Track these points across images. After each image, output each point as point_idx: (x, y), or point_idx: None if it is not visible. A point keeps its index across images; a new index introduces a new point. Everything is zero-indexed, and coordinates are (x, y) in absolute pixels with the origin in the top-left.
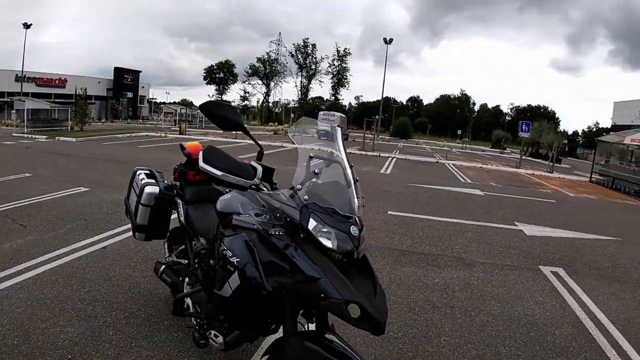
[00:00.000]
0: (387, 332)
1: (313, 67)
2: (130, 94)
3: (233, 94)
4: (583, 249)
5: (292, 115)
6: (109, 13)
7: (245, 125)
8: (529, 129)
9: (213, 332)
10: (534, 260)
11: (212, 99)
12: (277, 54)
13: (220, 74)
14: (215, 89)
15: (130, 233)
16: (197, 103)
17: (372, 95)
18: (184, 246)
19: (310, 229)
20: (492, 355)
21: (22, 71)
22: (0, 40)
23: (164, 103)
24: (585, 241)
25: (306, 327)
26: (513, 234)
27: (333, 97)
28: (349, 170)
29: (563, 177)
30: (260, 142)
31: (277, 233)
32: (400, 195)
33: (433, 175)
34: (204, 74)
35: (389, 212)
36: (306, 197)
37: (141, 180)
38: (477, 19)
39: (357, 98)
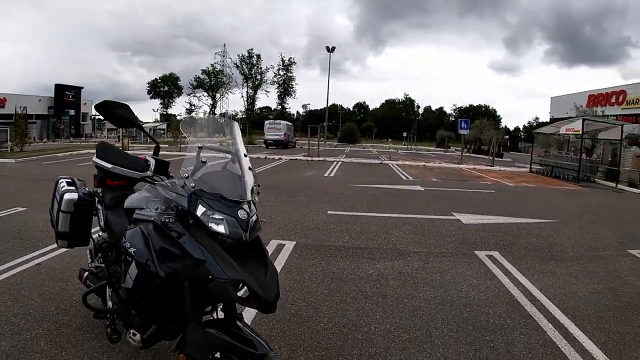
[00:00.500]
0: (316, 324)
1: (258, 77)
2: (72, 112)
3: (178, 107)
4: (520, 232)
5: (239, 125)
6: (48, 30)
7: (140, 123)
8: (467, 126)
9: (132, 330)
10: (469, 247)
11: (157, 112)
12: (222, 65)
13: (165, 88)
14: (160, 103)
15: (65, 250)
16: (142, 118)
17: (319, 103)
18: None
19: (199, 215)
20: (423, 338)
21: None
22: None
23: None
24: (522, 225)
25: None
26: (450, 223)
27: (280, 106)
28: (243, 159)
29: (504, 170)
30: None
31: (169, 221)
32: (341, 196)
33: (376, 175)
34: (148, 88)
35: (329, 212)
36: (193, 184)
37: (62, 188)
38: (419, 26)
39: (304, 106)
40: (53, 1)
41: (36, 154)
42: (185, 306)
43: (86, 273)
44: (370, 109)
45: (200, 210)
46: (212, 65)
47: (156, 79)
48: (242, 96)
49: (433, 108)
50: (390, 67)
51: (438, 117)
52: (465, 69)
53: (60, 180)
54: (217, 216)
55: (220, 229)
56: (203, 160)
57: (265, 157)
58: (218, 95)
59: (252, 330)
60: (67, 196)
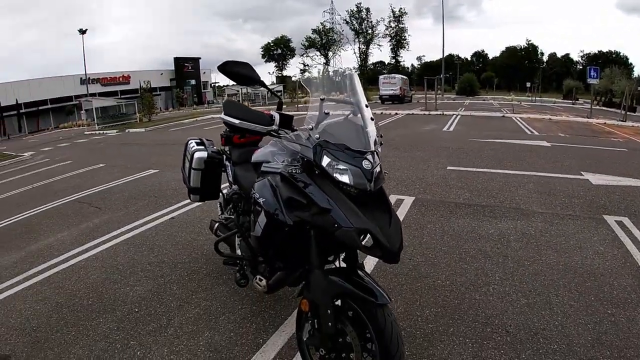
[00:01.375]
0: (433, 281)
1: (369, 31)
2: (193, 82)
3: (292, 69)
4: None
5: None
6: (162, 7)
7: (262, 80)
8: (597, 75)
9: (258, 276)
10: (597, 210)
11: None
12: (332, 23)
13: (278, 50)
14: (275, 66)
15: (196, 204)
16: None
17: (434, 54)
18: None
19: (324, 165)
20: (542, 304)
21: (85, 73)
22: (64, 49)
23: (227, 86)
24: None
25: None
26: (577, 183)
27: (394, 60)
28: (364, 110)
29: (637, 126)
30: None
31: (295, 173)
32: (461, 151)
33: (498, 129)
34: (262, 52)
35: (448, 168)
36: (317, 136)
37: (191, 148)
38: None
39: (419, 59)
40: None
41: (163, 122)
42: (310, 254)
43: (217, 224)
44: (490, 58)
45: (325, 160)
46: (321, 23)
47: (269, 42)
48: (355, 52)
49: (558, 55)
50: (509, 11)
51: (564, 65)
52: (590, 9)
53: (190, 141)
54: (341, 166)
55: (345, 179)
56: (326, 112)
57: (382, 113)
58: (330, 53)
59: (373, 280)
60: (197, 155)
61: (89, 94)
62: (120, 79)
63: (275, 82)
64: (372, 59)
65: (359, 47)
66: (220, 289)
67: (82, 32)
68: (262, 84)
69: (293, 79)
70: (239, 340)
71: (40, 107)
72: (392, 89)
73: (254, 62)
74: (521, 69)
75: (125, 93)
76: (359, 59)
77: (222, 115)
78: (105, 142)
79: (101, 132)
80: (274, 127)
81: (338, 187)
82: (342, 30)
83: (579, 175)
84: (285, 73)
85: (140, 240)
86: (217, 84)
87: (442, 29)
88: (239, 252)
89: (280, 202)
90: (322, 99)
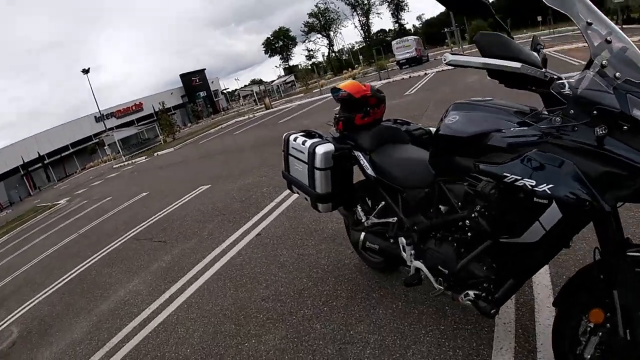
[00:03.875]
0: None
1: (365, 2)
2: (203, 93)
3: (298, 57)
4: None
5: (360, 57)
6: (154, 32)
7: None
8: None
9: (471, 292)
10: None
11: (279, 68)
12: (326, 2)
13: (279, 43)
14: (280, 58)
15: (278, 212)
16: (265, 79)
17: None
18: (382, 203)
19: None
20: None
21: (99, 110)
22: (74, 93)
23: (237, 89)
24: None
25: None
26: None
27: (397, 25)
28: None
29: None
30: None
31: (580, 133)
32: (501, 92)
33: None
34: (264, 48)
35: None
36: (618, 73)
37: (303, 143)
38: None
39: (419, 18)
40: (144, 9)
41: (188, 138)
42: (607, 240)
43: (362, 234)
44: (491, 0)
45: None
46: (316, 6)
47: (269, 37)
48: (356, 26)
49: None
50: None
51: None
52: None
53: (293, 136)
54: None
55: None
56: (608, 39)
57: (409, 77)
58: (331, 33)
59: None
60: (320, 150)
61: (107, 129)
62: (133, 108)
63: (283, 73)
64: (374, 28)
65: (359, 20)
66: (382, 311)
67: (86, 71)
68: (490, 12)
69: (299, 67)
70: None
71: (63, 154)
72: (408, 52)
73: (257, 60)
74: (528, 4)
75: (141, 120)
76: (361, 31)
77: (484, 60)
78: (138, 170)
79: (130, 161)
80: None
81: None
82: (338, 8)
83: None
84: (291, 63)
85: (234, 272)
86: (227, 90)
87: None
88: (416, 263)
89: (587, 184)
90: (589, 23)
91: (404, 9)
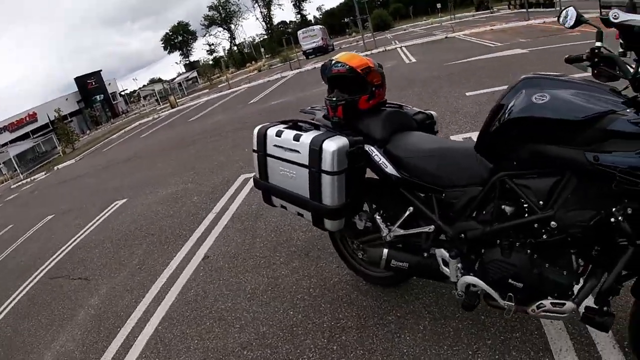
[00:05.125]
0: None
1: None
2: (100, 96)
3: (199, 52)
4: None
5: (262, 49)
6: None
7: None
8: None
9: (547, 302)
10: None
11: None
12: None
13: (179, 38)
14: (180, 54)
15: (222, 225)
16: (165, 77)
17: (334, 1)
18: (409, 209)
19: None
20: None
21: None
22: None
23: (137, 90)
24: None
25: None
26: None
27: (299, 16)
28: None
29: None
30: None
31: None
32: (455, 77)
33: (458, 50)
34: (163, 45)
35: (467, 94)
36: None
37: (296, 138)
38: None
39: (319, 9)
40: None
41: (90, 146)
42: None
43: (385, 250)
44: None
45: None
46: None
47: (167, 32)
48: (257, 18)
49: None
50: None
51: None
52: None
53: (275, 131)
54: None
55: None
56: None
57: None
58: (232, 26)
59: None
60: (331, 146)
61: (1, 145)
62: (27, 119)
63: (185, 70)
64: (277, 19)
65: (261, 12)
66: (409, 337)
67: None
68: None
69: (201, 63)
70: None
71: None
72: (314, 42)
73: (155, 57)
74: None
75: (37, 131)
76: (263, 23)
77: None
78: (39, 188)
79: (29, 179)
80: None
81: None
82: (239, 0)
83: None
84: (192, 58)
85: (190, 312)
86: (126, 91)
87: None
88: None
89: None
90: None
91: (306, 0)
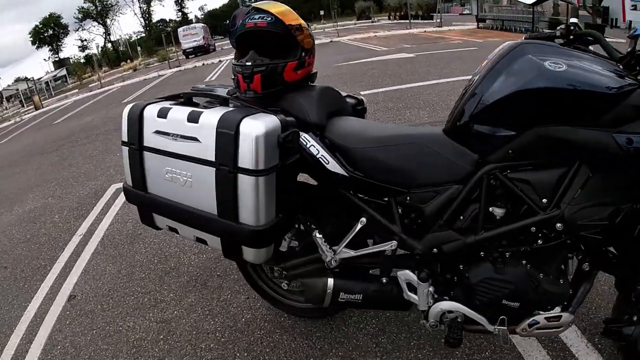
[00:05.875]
0: None
1: None
2: None
3: (70, 49)
4: None
5: (139, 48)
6: None
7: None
8: None
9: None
10: None
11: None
12: None
13: (49, 32)
14: (49, 50)
15: (91, 251)
16: (34, 73)
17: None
18: (361, 220)
19: None
20: None
21: None
22: None
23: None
24: None
25: None
26: None
27: (180, 14)
28: None
29: (454, 29)
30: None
31: None
32: (346, 77)
33: (344, 52)
34: (31, 39)
35: (362, 93)
36: None
37: (192, 119)
38: None
39: (201, 9)
40: None
41: None
42: None
43: (329, 282)
44: None
45: None
46: None
47: (37, 25)
48: (135, 14)
49: None
50: None
51: None
52: None
53: (159, 110)
54: None
55: None
56: None
57: (203, 64)
58: (108, 20)
59: None
60: (253, 129)
61: None
62: None
63: (53, 68)
64: (156, 17)
65: (140, 7)
66: None
67: None
68: None
69: (71, 60)
70: None
71: None
72: (195, 40)
73: (25, 53)
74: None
75: None
76: (141, 20)
77: None
78: None
79: None
80: None
81: None
82: None
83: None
84: (62, 55)
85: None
86: None
87: None
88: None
89: None
90: None
91: None
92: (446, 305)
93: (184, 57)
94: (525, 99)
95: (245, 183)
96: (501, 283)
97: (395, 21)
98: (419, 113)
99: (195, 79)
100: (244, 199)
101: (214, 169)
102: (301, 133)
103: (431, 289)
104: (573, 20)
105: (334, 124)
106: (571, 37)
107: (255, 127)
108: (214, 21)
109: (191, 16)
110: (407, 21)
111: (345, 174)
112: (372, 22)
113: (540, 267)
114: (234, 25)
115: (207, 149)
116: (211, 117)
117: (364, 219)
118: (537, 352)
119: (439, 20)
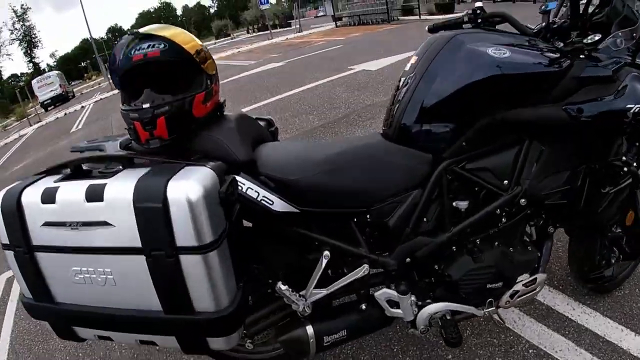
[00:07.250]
0: None
1: None
2: None
3: None
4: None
5: None
6: None
7: None
8: (267, 1)
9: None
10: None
11: None
12: None
13: None
14: None
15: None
16: None
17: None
18: (325, 256)
19: None
20: None
21: None
22: None
23: None
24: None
25: None
26: (363, 74)
27: (31, 64)
28: None
29: (313, 32)
30: None
31: None
32: (225, 95)
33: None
34: None
35: (243, 110)
36: None
37: (92, 197)
38: None
39: (52, 55)
40: None
41: None
42: None
43: (308, 330)
44: (125, 29)
45: None
46: None
47: None
48: None
49: (190, 5)
50: None
51: (199, 10)
52: None
53: (42, 193)
54: None
55: None
56: None
57: (65, 114)
58: None
59: None
60: (186, 192)
61: None
62: None
63: None
64: (6, 72)
65: None
66: None
67: None
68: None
69: None
70: None
71: None
72: (52, 90)
73: None
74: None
75: None
76: None
77: None
78: None
79: None
80: None
81: None
82: None
83: (352, 70)
84: None
85: None
86: None
87: (83, 11)
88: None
89: None
90: None
91: (38, 46)
92: (433, 308)
93: (43, 110)
94: (476, 90)
95: (192, 266)
96: (482, 270)
97: (254, 34)
98: (308, 118)
99: (61, 131)
100: (196, 285)
101: (144, 257)
102: (238, 177)
103: (413, 298)
104: (478, 4)
105: (263, 155)
106: (479, 20)
107: (188, 189)
108: (68, 66)
109: (43, 65)
110: (267, 32)
111: (296, 210)
112: (232, 38)
113: (510, 242)
114: (114, 62)
115: (127, 233)
116: (120, 189)
117: (327, 252)
118: (537, 325)
119: (298, 26)
